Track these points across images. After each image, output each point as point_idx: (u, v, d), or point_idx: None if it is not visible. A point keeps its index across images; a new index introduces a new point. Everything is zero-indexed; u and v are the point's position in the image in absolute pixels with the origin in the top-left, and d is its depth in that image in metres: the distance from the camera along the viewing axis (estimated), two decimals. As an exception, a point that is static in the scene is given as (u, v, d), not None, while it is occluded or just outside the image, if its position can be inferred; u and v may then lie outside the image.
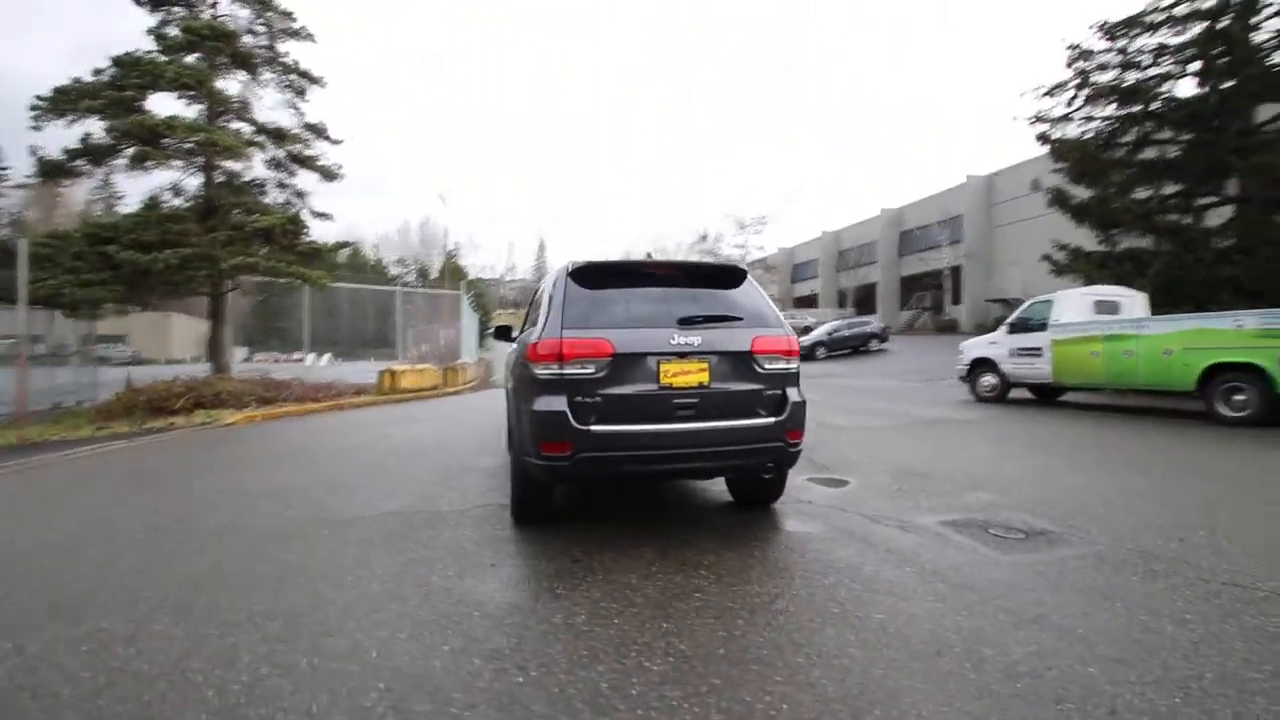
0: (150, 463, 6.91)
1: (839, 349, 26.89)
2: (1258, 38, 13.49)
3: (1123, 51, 15.70)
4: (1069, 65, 16.22)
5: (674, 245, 58.97)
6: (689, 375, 3.56)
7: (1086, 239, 16.25)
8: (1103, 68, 15.87)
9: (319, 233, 15.90)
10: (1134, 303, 11.04)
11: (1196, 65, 14.53)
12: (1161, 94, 14.87)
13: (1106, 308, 10.80)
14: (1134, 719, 1.94)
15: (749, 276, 4.15)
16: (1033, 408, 10.92)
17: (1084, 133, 16.28)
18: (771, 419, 3.68)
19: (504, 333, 6.25)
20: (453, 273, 55.68)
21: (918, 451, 6.69)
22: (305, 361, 24.94)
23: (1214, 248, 13.24)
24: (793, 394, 3.78)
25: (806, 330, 28.68)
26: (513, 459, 4.00)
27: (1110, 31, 15.80)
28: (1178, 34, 14.82)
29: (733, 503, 4.66)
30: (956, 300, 35.40)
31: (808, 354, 24.12)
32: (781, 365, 3.76)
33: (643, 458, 3.52)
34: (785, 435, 3.70)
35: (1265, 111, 13.59)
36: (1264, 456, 6.33)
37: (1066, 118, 16.66)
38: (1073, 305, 10.83)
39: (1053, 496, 4.73)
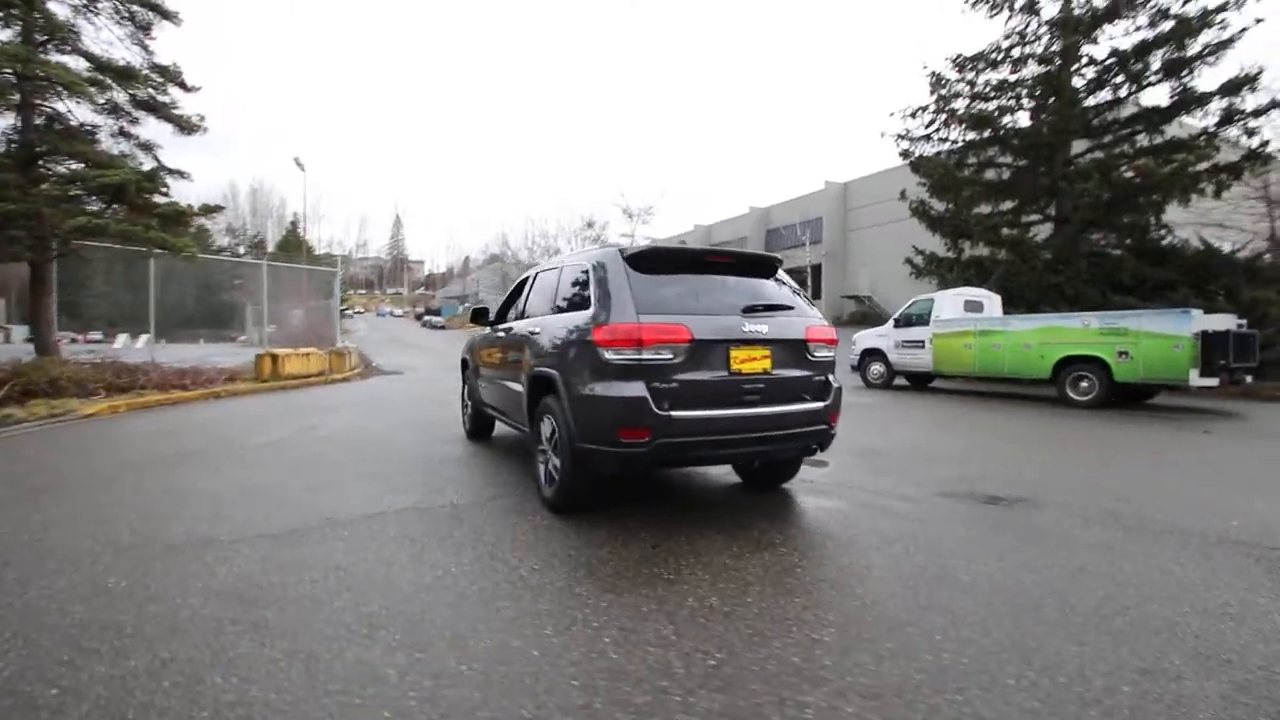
0: (29, 465, 5.66)
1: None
2: (1078, 82, 16.19)
3: (971, 84, 18.07)
4: (931, 91, 18.32)
5: (555, 229, 58.17)
6: (755, 362, 3.67)
7: (935, 245, 18.56)
8: (957, 95, 18.13)
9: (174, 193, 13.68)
10: (993, 303, 12.91)
11: (1030, 101, 17.13)
12: (1004, 123, 17.33)
13: (974, 306, 12.53)
14: (1201, 634, 2.41)
15: (780, 267, 4.34)
16: (916, 393, 12.37)
17: (939, 152, 18.54)
18: (819, 403, 3.91)
19: (481, 315, 5.92)
20: (296, 246, 50.46)
21: (861, 432, 7.35)
22: (115, 344, 21.33)
23: (1042, 259, 15.76)
24: (833, 380, 4.04)
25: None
26: (561, 448, 3.83)
27: (960, 65, 18.10)
28: (1014, 72, 17.37)
29: (738, 484, 4.86)
30: (817, 296, 38.62)
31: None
32: (826, 353, 4.00)
33: (715, 442, 3.59)
34: (829, 418, 3.96)
35: (1079, 145, 16.39)
36: (1122, 431, 7.78)
37: (926, 138, 18.87)
38: (949, 304, 12.40)
39: (1002, 469, 5.49)
